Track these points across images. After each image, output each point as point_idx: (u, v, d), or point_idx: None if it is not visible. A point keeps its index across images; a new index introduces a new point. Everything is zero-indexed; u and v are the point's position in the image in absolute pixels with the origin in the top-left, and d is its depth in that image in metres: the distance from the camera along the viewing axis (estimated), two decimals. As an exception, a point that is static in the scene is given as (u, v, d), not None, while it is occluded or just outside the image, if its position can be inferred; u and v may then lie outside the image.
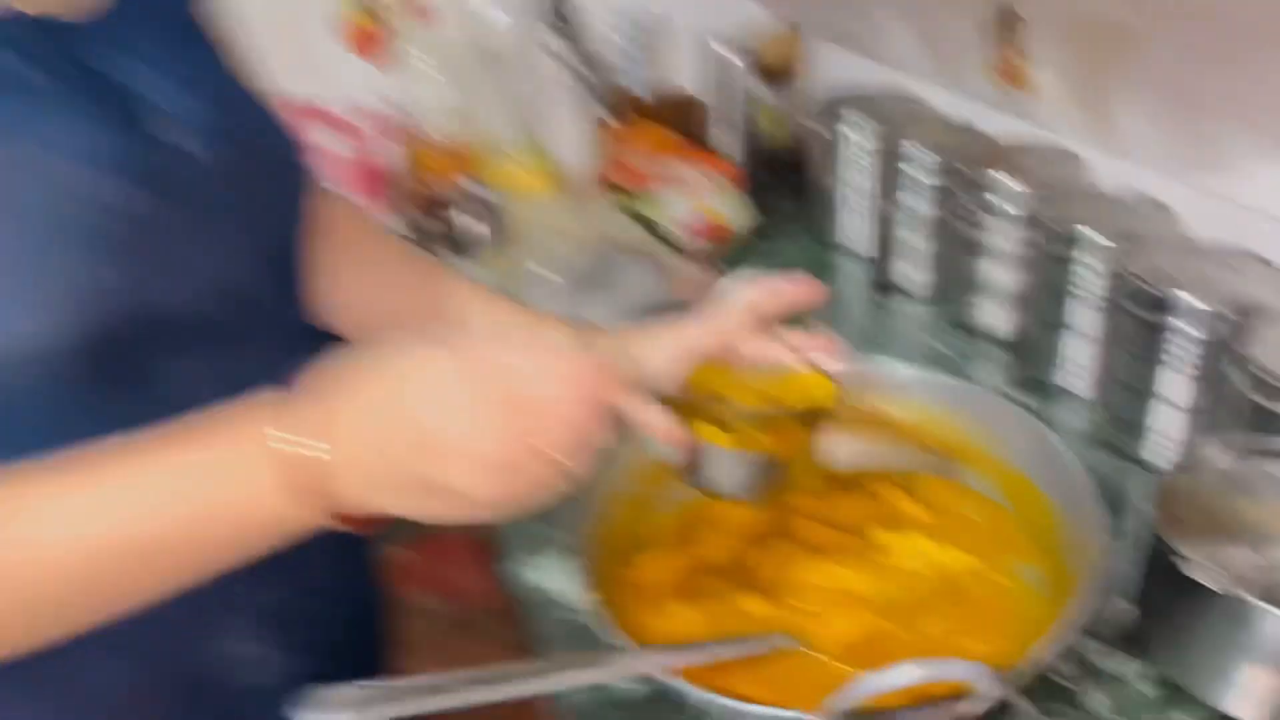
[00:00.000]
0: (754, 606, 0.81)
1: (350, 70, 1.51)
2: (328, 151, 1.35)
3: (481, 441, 0.53)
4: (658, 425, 0.68)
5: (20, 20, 0.59)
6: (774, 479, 0.75)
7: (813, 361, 0.75)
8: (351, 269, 0.83)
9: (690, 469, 0.74)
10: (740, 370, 0.75)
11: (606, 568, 0.81)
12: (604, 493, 0.85)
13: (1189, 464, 0.83)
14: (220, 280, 0.65)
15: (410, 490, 0.54)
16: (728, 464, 0.73)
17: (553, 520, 0.83)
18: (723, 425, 0.71)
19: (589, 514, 0.83)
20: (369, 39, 1.47)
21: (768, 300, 0.74)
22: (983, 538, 0.86)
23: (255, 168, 0.68)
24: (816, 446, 0.79)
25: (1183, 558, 0.73)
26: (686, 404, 0.71)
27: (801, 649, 0.76)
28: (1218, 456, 0.82)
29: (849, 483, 0.90)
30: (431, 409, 0.53)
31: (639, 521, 0.88)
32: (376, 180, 1.40)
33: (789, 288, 0.75)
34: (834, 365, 0.75)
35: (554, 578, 0.91)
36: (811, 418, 0.75)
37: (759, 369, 0.75)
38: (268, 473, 0.53)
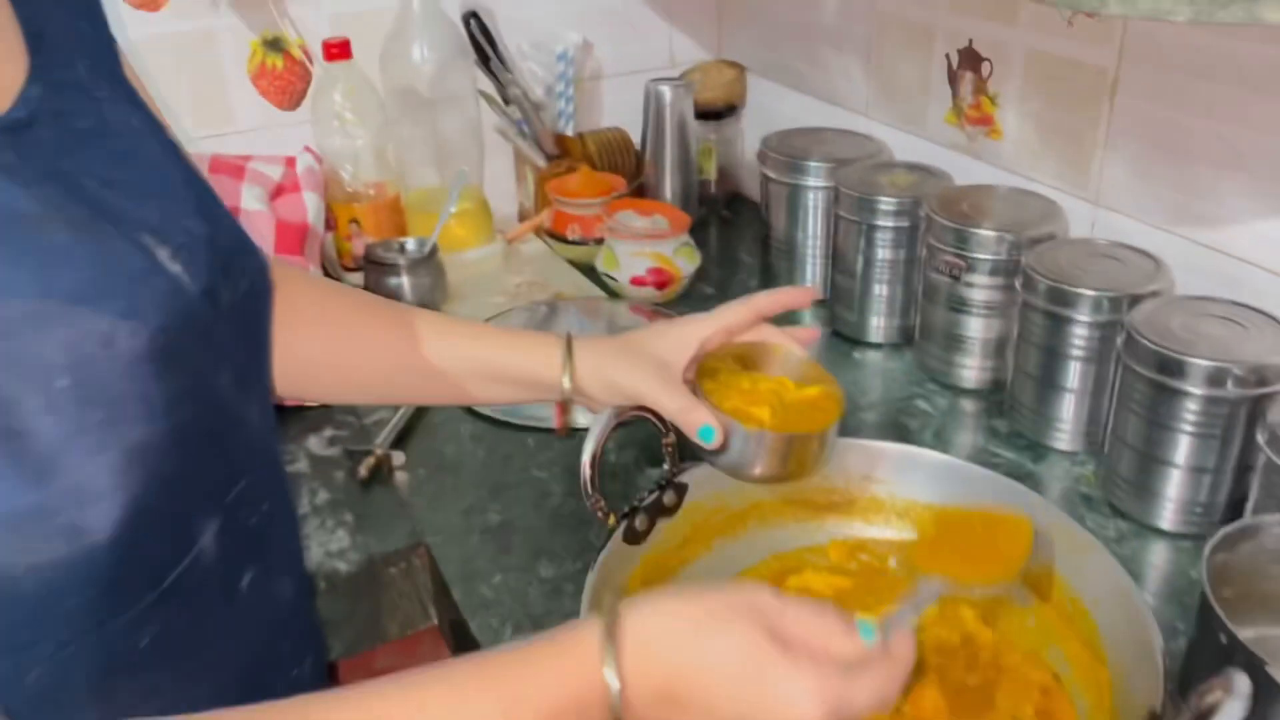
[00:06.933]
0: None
1: (265, 117, 1.39)
2: (245, 210, 1.23)
3: None
4: None
5: None
6: (798, 460, 0.80)
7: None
8: (316, 330, 0.82)
9: (722, 450, 0.78)
10: (755, 369, 0.84)
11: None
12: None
13: (1236, 538, 0.79)
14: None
15: None
16: (752, 445, 0.78)
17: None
18: (744, 410, 0.79)
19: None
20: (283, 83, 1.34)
21: (766, 302, 0.86)
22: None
23: (232, 282, 0.63)
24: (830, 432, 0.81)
25: (1238, 641, 0.68)
26: (713, 388, 0.80)
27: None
28: (1267, 531, 0.78)
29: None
30: None
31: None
32: (297, 236, 1.27)
33: (785, 293, 0.89)
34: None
35: None
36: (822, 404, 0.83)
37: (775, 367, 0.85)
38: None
